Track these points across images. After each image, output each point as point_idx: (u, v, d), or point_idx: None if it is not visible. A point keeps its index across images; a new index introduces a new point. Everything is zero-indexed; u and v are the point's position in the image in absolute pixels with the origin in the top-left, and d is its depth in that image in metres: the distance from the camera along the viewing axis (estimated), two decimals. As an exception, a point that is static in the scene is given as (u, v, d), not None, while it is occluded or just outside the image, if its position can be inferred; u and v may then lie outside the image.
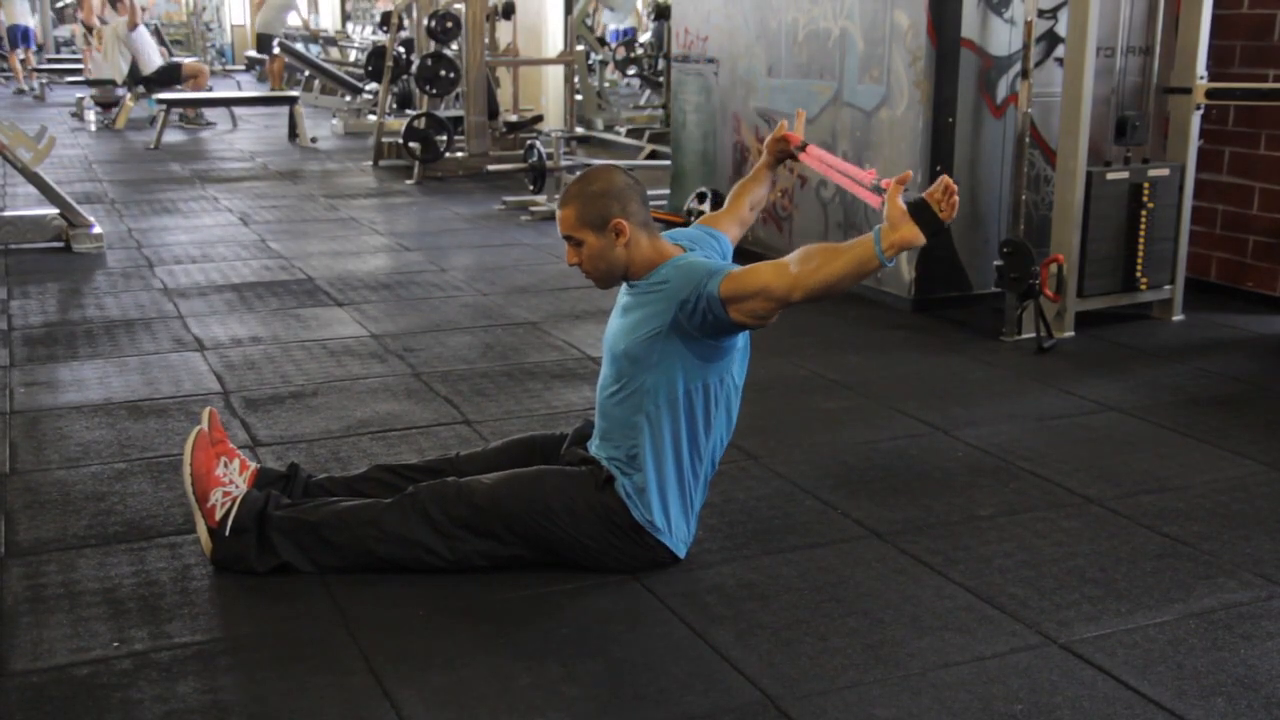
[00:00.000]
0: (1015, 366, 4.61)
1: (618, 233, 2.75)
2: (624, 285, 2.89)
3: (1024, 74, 4.85)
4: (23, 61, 17.31)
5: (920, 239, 2.48)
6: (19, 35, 17.56)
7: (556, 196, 8.09)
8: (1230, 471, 3.55)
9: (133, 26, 12.80)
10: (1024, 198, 4.97)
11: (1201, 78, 5.05)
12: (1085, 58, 4.76)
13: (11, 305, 5.41)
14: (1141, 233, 5.01)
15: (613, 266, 2.79)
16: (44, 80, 16.52)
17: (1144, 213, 4.99)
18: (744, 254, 6.38)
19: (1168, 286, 5.21)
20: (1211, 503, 3.31)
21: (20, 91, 16.77)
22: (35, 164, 6.67)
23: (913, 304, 5.40)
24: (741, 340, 2.83)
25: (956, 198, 2.48)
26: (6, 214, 7.13)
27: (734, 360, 2.83)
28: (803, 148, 3.07)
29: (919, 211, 2.48)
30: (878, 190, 2.65)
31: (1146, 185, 4.99)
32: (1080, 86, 4.78)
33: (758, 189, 3.20)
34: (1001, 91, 5.35)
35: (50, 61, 17.65)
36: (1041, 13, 5.06)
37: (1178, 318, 5.27)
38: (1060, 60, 5.04)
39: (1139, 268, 5.04)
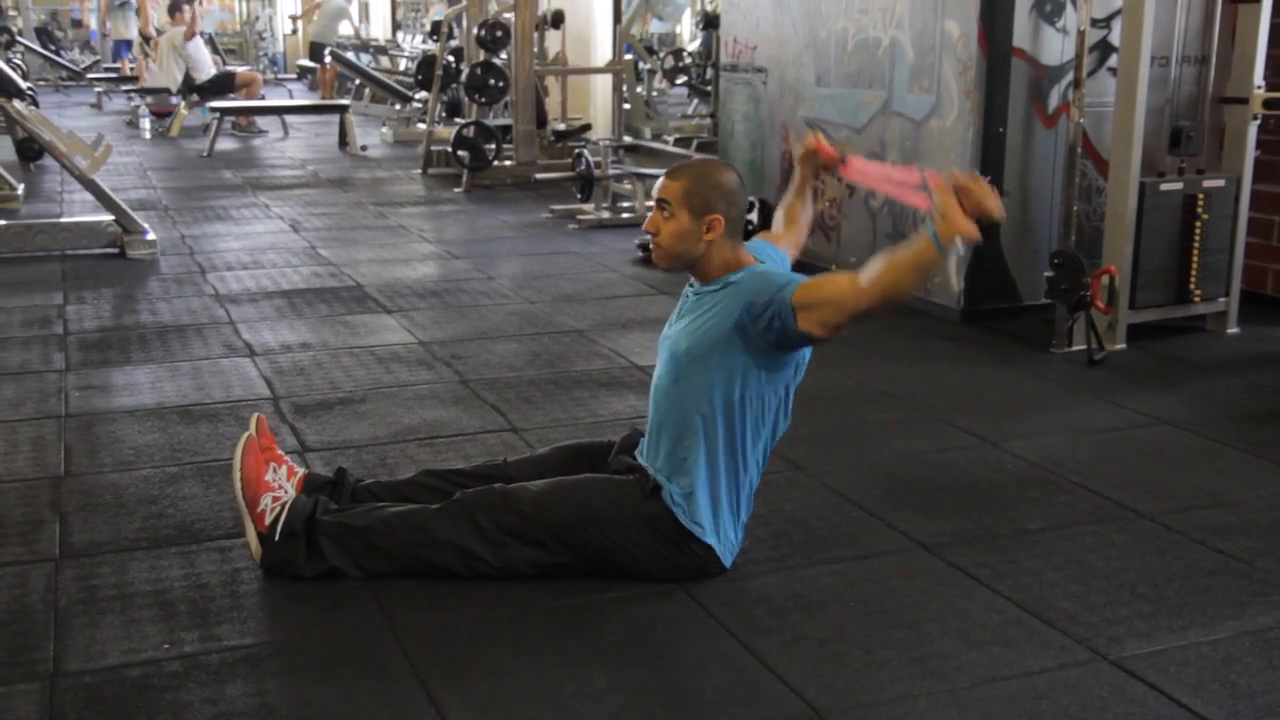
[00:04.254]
0: (1065, 379, 4.56)
1: (709, 227, 2.77)
2: (689, 287, 2.90)
3: (1076, 83, 4.80)
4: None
5: (973, 229, 2.46)
6: (124, 49, 17.80)
7: (604, 205, 8.11)
8: (1286, 487, 3.49)
9: (190, 37, 12.97)
10: (1075, 208, 4.91)
11: (1259, 87, 4.98)
12: (1139, 67, 4.70)
13: (67, 310, 5.49)
14: (1195, 244, 4.94)
15: (687, 252, 2.80)
16: (101, 89, 16.76)
17: (1198, 224, 4.92)
18: (794, 267, 6.36)
19: (1222, 299, 5.14)
20: (1267, 519, 3.26)
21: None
22: (92, 171, 6.78)
23: (961, 315, 5.36)
24: (803, 356, 2.82)
25: (984, 187, 2.44)
26: (64, 220, 7.26)
27: (791, 373, 2.82)
28: (842, 160, 3.00)
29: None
30: (925, 189, 2.62)
31: (1201, 196, 4.92)
32: (1134, 96, 4.73)
33: (804, 206, 3.18)
34: (1053, 101, 5.30)
35: (107, 70, 17.85)
36: (1095, 22, 5.01)
37: (1232, 330, 5.19)
38: (1113, 70, 4.99)
39: (1193, 280, 4.97)
